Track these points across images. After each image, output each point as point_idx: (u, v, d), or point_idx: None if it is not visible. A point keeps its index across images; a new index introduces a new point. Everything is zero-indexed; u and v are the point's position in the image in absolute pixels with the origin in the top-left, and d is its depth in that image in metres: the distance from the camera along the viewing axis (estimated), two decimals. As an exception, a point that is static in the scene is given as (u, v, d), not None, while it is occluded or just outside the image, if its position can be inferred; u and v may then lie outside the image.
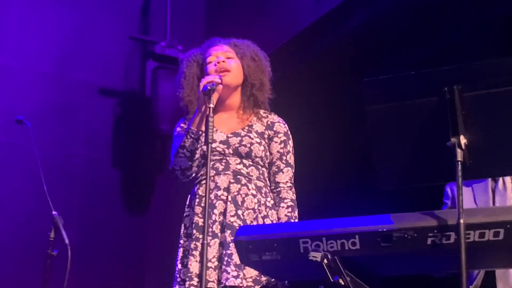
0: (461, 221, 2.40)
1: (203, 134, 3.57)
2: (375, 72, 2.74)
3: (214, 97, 3.52)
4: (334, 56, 5.85)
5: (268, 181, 3.77)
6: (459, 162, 2.47)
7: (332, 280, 2.57)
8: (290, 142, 3.82)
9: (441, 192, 3.39)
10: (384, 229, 2.56)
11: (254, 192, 3.66)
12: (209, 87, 3.52)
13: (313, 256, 2.59)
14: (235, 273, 3.47)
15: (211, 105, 3.46)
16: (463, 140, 2.49)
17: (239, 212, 3.59)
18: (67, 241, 3.86)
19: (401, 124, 2.64)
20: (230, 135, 3.72)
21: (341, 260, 2.59)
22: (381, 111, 2.63)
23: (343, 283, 2.57)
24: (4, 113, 5.57)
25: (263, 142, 3.75)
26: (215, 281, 3.48)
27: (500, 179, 3.30)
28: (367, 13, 5.43)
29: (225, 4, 6.77)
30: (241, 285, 3.48)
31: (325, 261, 2.57)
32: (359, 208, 2.83)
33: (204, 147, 3.63)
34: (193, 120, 3.65)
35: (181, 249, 3.66)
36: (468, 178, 2.57)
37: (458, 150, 2.48)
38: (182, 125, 3.84)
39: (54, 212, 3.91)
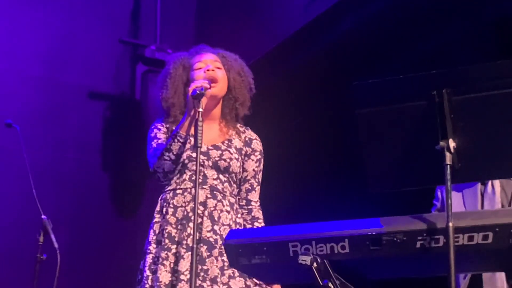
0: (450, 224, 2.40)
1: (190, 139, 3.58)
2: (365, 76, 2.74)
3: (203, 101, 3.53)
4: (324, 60, 5.87)
5: (236, 197, 3.76)
6: (448, 166, 2.48)
7: (321, 284, 2.58)
8: (263, 160, 3.84)
9: (431, 195, 3.40)
10: (374, 233, 2.56)
11: (228, 209, 3.67)
12: (198, 91, 3.52)
13: (302, 260, 2.59)
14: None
15: (200, 109, 3.47)
16: (452, 144, 2.49)
17: (215, 227, 3.59)
18: (56, 245, 3.86)
19: (391, 127, 2.64)
20: (210, 147, 3.70)
21: (330, 263, 2.58)
22: (371, 115, 2.63)
23: (332, 287, 2.58)
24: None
25: (240, 158, 3.76)
26: None
27: (489, 183, 3.31)
28: (356, 18, 5.44)
29: (215, 8, 6.77)
30: None
31: (315, 264, 2.57)
32: (349, 211, 2.84)
33: (184, 155, 3.64)
34: (181, 124, 3.65)
35: (149, 255, 3.62)
36: (457, 182, 2.57)
37: (447, 154, 2.48)
38: (159, 126, 3.82)
39: (43, 216, 3.90)
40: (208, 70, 3.73)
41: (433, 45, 5.35)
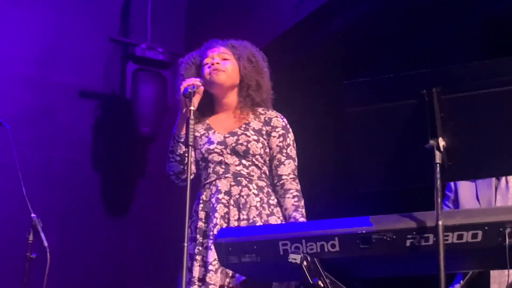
0: (440, 223, 2.41)
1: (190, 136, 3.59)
2: (355, 75, 2.75)
3: (196, 99, 3.55)
4: (314, 59, 5.87)
5: (270, 180, 3.73)
6: (438, 164, 2.48)
7: (311, 282, 2.59)
8: (290, 135, 3.78)
9: (421, 194, 3.39)
10: (363, 231, 2.58)
11: (256, 192, 3.63)
12: (189, 90, 3.54)
13: (292, 258, 2.60)
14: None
15: (192, 108, 3.48)
16: (441, 142, 2.50)
17: (243, 213, 3.57)
18: (46, 243, 3.84)
19: (381, 126, 2.65)
20: (227, 135, 3.71)
21: (320, 262, 2.60)
22: (361, 113, 2.64)
23: (322, 285, 2.59)
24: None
25: (261, 139, 3.72)
26: (216, 283, 3.46)
27: (503, 178, 3.30)
28: (347, 17, 5.44)
29: (205, 7, 6.77)
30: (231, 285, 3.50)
31: (305, 263, 2.59)
32: (339, 210, 2.85)
33: (203, 150, 3.67)
34: (176, 124, 3.67)
35: (186, 254, 3.65)
36: (447, 180, 2.60)
37: (437, 152, 2.49)
38: None
39: (33, 215, 3.89)
40: (213, 64, 3.76)
41: (424, 45, 5.36)
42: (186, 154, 3.58)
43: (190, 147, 3.40)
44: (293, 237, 2.65)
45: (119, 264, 6.07)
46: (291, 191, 3.66)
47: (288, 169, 3.71)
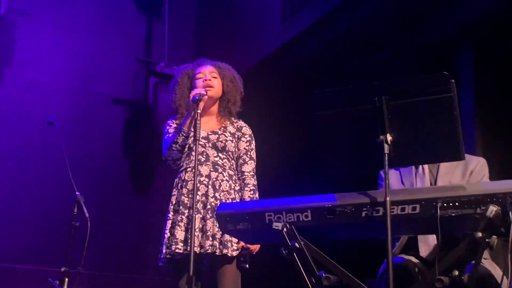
0: (387, 199, 2.41)
1: (192, 133, 3.60)
2: (323, 86, 2.74)
3: (201, 105, 3.55)
4: (292, 74, 5.87)
5: (236, 171, 3.77)
6: (386, 154, 2.48)
7: (289, 244, 2.59)
8: (253, 142, 3.83)
9: (373, 177, 3.39)
10: (329, 205, 2.58)
11: (227, 179, 3.68)
12: (197, 97, 3.56)
13: (275, 226, 2.60)
14: (211, 243, 3.51)
15: (199, 111, 3.49)
16: (389, 138, 2.50)
17: (217, 194, 3.61)
18: (87, 215, 3.84)
19: (343, 125, 2.64)
20: (210, 133, 3.74)
21: (296, 228, 2.60)
22: (327, 116, 2.62)
23: (298, 246, 2.59)
24: (39, 117, 5.53)
25: (234, 140, 3.77)
26: (198, 246, 3.49)
27: (420, 166, 3.30)
28: (319, 41, 5.43)
29: (208, 34, 6.76)
30: (217, 252, 3.51)
31: (285, 229, 2.59)
32: (311, 189, 2.84)
33: (189, 141, 3.66)
34: (184, 122, 3.67)
35: (169, 221, 3.64)
36: (393, 167, 2.58)
37: (385, 145, 2.49)
38: (170, 123, 3.84)
39: (77, 193, 3.89)
40: (206, 80, 3.78)
41: (378, 61, 5.36)
42: (186, 146, 3.63)
43: (197, 141, 3.40)
44: (276, 210, 2.65)
45: (141, 232, 6.06)
46: (249, 185, 3.72)
47: (249, 167, 3.77)
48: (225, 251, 3.51)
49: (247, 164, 3.77)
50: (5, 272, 5.35)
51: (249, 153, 3.79)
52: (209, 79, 3.78)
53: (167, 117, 3.97)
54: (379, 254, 2.53)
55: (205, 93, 3.63)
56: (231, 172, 3.72)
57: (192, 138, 3.60)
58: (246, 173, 3.75)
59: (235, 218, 2.72)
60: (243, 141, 3.80)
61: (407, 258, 3.08)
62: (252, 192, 3.71)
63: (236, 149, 3.78)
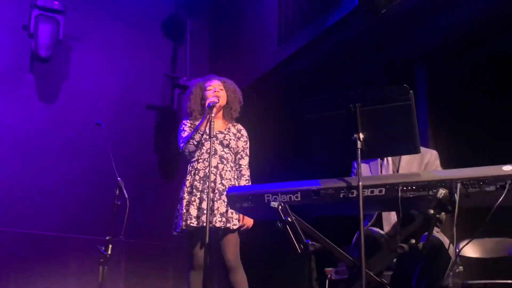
0: (360, 184, 2.42)
1: (206, 132, 3.62)
2: (312, 95, 2.73)
3: (214, 110, 3.59)
4: (285, 87, 5.87)
5: (234, 163, 3.77)
6: (359, 149, 2.49)
7: (283, 219, 2.60)
8: (248, 142, 3.84)
9: (348, 167, 3.38)
10: (315, 188, 2.58)
11: (230, 169, 3.69)
12: (211, 104, 3.59)
13: (272, 204, 2.61)
14: (219, 219, 3.52)
15: (213, 115, 3.53)
16: (361, 136, 2.50)
17: (223, 181, 3.62)
18: (126, 196, 3.83)
19: (326, 126, 2.62)
20: (217, 132, 3.74)
21: (289, 206, 2.60)
22: (313, 118, 2.62)
23: (290, 220, 2.60)
24: (89, 119, 5.55)
25: (235, 139, 3.78)
26: (207, 221, 3.47)
27: (385, 158, 3.29)
28: (309, 59, 5.42)
29: (219, 55, 6.80)
30: (223, 225, 3.53)
31: (280, 207, 2.59)
32: (301, 176, 2.84)
33: (202, 139, 3.66)
34: (201, 123, 3.68)
35: (184, 201, 3.63)
36: (365, 158, 2.57)
37: (358, 142, 2.49)
38: (185, 123, 3.84)
39: (118, 178, 3.88)
40: (215, 91, 3.79)
41: (359, 74, 5.36)
42: (202, 142, 3.63)
43: (211, 139, 3.43)
44: (273, 192, 2.64)
45: (167, 209, 6.06)
46: (245, 176, 3.74)
47: (245, 161, 3.78)
48: (228, 224, 3.55)
49: (243, 159, 3.79)
50: (66, 240, 5.53)
51: (245, 150, 3.82)
52: (217, 91, 3.79)
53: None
54: (353, 227, 2.53)
55: (217, 101, 3.66)
56: (232, 164, 3.74)
57: (205, 136, 3.61)
58: (242, 166, 3.78)
59: (241, 199, 2.72)
60: (242, 140, 3.81)
61: (376, 229, 3.08)
62: (247, 181, 3.74)
63: (236, 147, 3.78)
